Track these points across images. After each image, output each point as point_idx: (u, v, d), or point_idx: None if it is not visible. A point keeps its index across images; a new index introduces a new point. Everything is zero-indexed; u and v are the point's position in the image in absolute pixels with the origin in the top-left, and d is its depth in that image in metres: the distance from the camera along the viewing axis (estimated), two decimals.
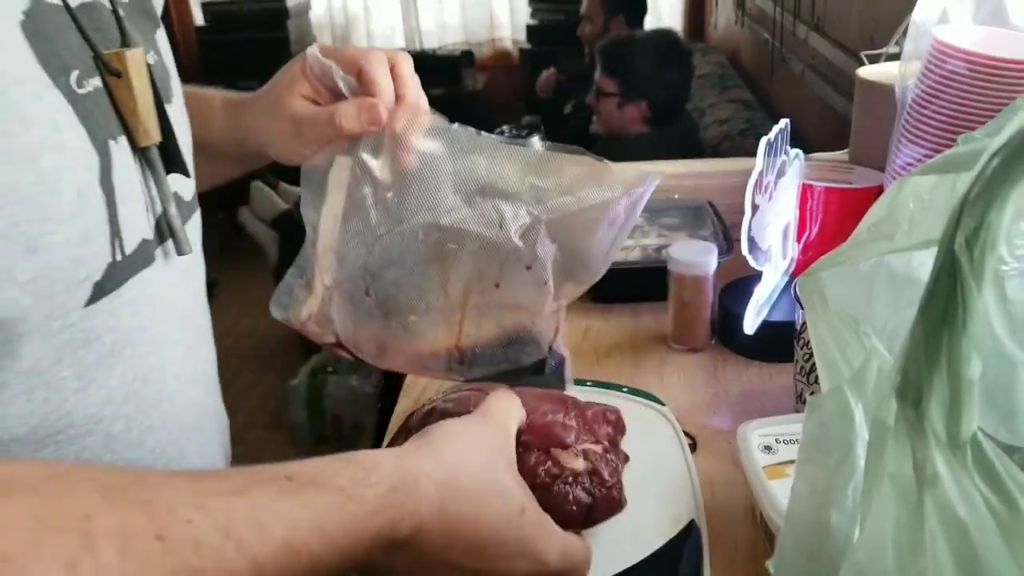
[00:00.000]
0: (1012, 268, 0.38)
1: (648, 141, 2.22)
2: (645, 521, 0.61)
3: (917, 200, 0.35)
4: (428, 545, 0.41)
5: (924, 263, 0.31)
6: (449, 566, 0.43)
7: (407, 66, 0.62)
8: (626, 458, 0.62)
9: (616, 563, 0.58)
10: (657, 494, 0.64)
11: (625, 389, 0.77)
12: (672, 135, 2.23)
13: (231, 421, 0.68)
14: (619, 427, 0.64)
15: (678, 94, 2.28)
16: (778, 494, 0.57)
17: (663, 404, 0.76)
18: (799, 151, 0.87)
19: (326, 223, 0.62)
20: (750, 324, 0.82)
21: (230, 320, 3.10)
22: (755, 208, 0.79)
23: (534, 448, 0.56)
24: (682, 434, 0.72)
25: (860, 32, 1.65)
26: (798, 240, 0.93)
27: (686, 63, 2.28)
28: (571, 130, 3.12)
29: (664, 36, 2.36)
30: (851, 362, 0.36)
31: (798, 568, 0.38)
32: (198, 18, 3.95)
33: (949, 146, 0.34)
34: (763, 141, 0.78)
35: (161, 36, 0.58)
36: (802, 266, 0.94)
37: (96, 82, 0.47)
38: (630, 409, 0.68)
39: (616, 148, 2.28)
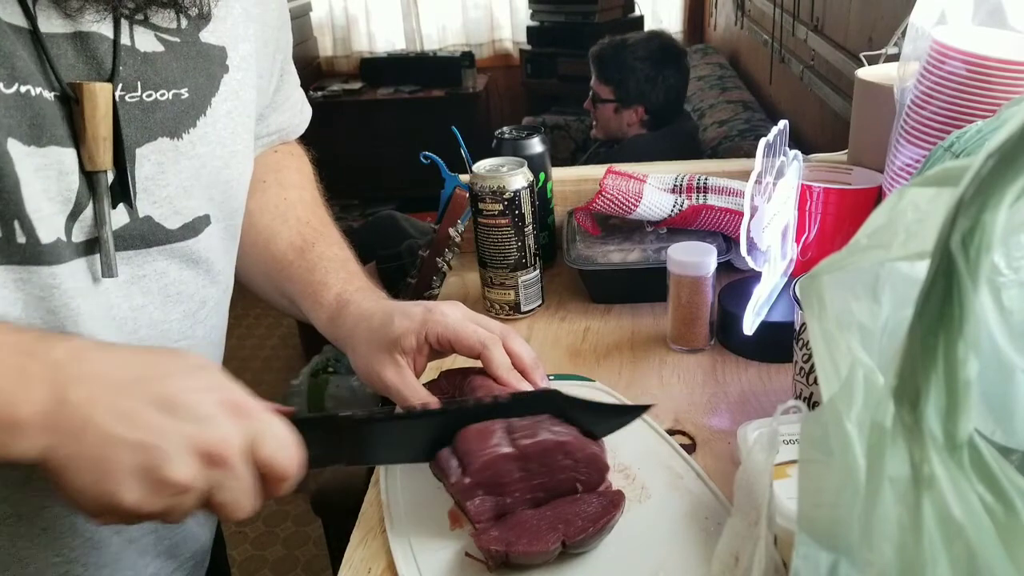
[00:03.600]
0: (1009, 279, 0.38)
1: (647, 143, 2.21)
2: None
3: (915, 210, 0.35)
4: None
5: (928, 262, 0.31)
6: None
7: (517, 342, 0.70)
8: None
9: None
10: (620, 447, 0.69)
11: (551, 377, 0.79)
12: (671, 136, 2.23)
13: None
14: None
15: (675, 96, 2.26)
16: (780, 494, 0.57)
17: (592, 380, 0.83)
18: (798, 152, 0.87)
19: None
20: (749, 325, 0.82)
21: (232, 320, 3.10)
22: (754, 209, 0.79)
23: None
24: (620, 397, 0.80)
25: (859, 33, 1.65)
26: (797, 241, 0.93)
27: (681, 64, 2.26)
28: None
29: (656, 38, 2.33)
30: (841, 369, 0.37)
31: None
32: None
33: None
34: (762, 142, 0.78)
35: (233, 79, 0.64)
36: (801, 267, 0.94)
37: (45, 93, 0.53)
38: (567, 391, 0.70)
39: (615, 151, 2.28)
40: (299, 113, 0.84)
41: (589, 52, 2.32)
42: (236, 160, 0.67)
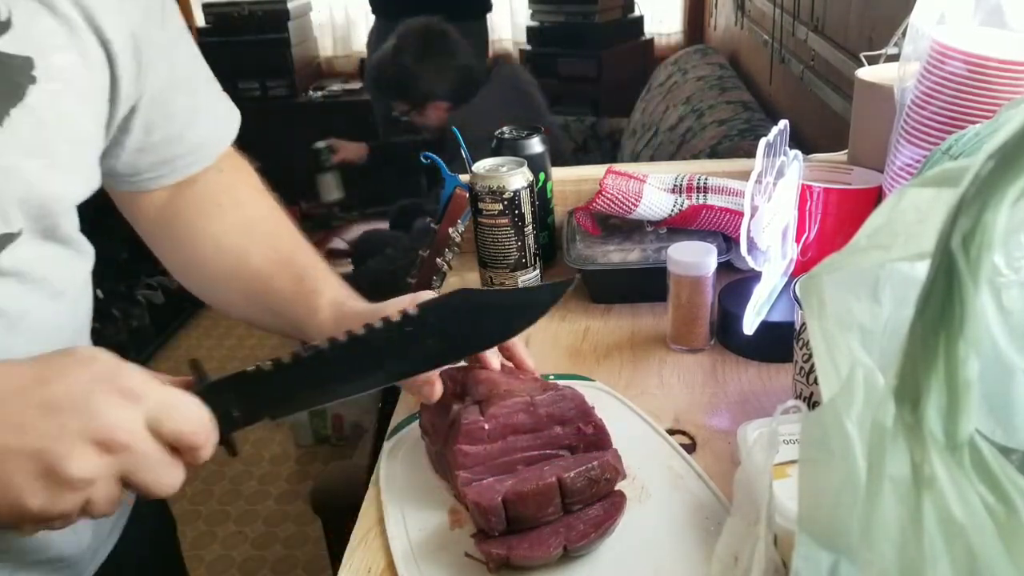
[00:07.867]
0: (1009, 279, 0.38)
1: (486, 106, 2.18)
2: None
3: (915, 211, 0.35)
4: None
5: (929, 263, 0.31)
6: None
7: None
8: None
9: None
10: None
11: (551, 376, 0.79)
12: (501, 92, 2.21)
13: None
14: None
15: (464, 73, 2.22)
16: (780, 494, 0.57)
17: (593, 380, 0.83)
18: (798, 152, 0.87)
19: None
20: (749, 325, 0.82)
21: (232, 319, 3.10)
22: (754, 209, 0.79)
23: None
24: (620, 396, 0.80)
25: (859, 33, 1.65)
26: (797, 241, 0.93)
27: (450, 43, 2.21)
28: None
29: (413, 34, 2.24)
30: (841, 369, 0.37)
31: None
32: (199, 20, 3.95)
33: None
34: (762, 142, 0.78)
35: (44, 91, 0.59)
36: (801, 267, 0.94)
37: None
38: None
39: (459, 118, 2.21)
40: (224, 122, 0.80)
41: (365, 84, 2.27)
42: (54, 174, 0.62)
